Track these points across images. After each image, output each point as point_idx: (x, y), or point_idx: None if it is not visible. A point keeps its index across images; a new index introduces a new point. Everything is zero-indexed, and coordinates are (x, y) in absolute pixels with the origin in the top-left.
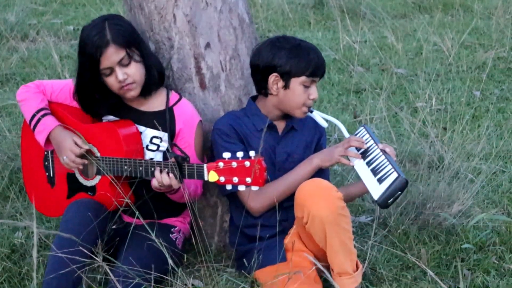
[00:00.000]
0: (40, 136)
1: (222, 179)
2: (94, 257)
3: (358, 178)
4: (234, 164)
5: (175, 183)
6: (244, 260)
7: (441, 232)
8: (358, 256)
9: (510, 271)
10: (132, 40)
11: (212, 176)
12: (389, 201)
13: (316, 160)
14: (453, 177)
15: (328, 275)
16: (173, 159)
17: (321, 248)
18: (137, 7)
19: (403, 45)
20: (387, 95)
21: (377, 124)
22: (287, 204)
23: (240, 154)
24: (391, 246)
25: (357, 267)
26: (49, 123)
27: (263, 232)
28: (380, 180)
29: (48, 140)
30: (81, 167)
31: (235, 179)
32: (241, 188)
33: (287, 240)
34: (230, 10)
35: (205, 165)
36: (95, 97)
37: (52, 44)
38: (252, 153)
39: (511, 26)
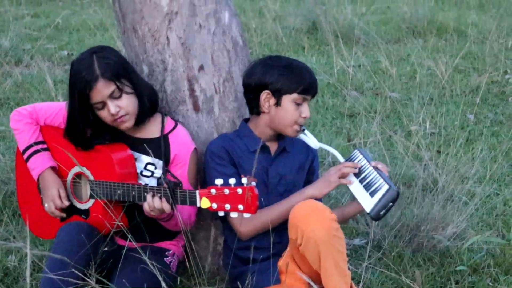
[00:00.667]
0: (33, 173)
1: (214, 205)
2: (87, 279)
3: (352, 198)
4: (227, 191)
5: (167, 208)
6: (238, 282)
7: (435, 254)
8: (353, 279)
9: None
10: (122, 72)
11: (204, 203)
12: (381, 212)
13: (310, 191)
14: (447, 200)
15: None
16: (165, 185)
17: (315, 270)
18: (131, 29)
19: (397, 69)
20: (381, 119)
21: (371, 148)
22: (280, 226)
23: (232, 181)
24: (385, 268)
25: None
26: (40, 163)
27: (256, 254)
28: (372, 194)
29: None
30: (59, 217)
31: (227, 206)
32: (234, 215)
33: (281, 262)
34: (224, 32)
35: (197, 192)
36: (86, 133)
37: (46, 69)
38: (244, 180)
39: (505, 51)
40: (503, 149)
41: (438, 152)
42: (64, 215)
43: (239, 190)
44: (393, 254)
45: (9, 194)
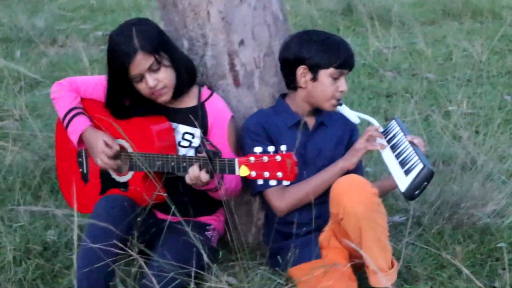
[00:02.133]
0: (73, 136)
1: (253, 173)
2: (128, 250)
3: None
4: (265, 158)
5: (205, 178)
6: (279, 257)
7: (475, 231)
8: (393, 255)
9: None
10: (161, 45)
11: (243, 171)
12: (416, 192)
13: (340, 163)
14: (486, 179)
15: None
16: (204, 154)
17: (357, 244)
18: (171, 4)
19: (433, 50)
20: (418, 99)
21: (408, 128)
22: (319, 200)
23: (271, 149)
24: (425, 245)
25: (393, 265)
26: (80, 123)
27: (297, 229)
28: (406, 172)
29: (80, 140)
30: (115, 167)
31: (266, 174)
32: (272, 183)
33: (322, 237)
34: (264, 7)
35: (236, 160)
36: (124, 104)
37: (82, 49)
38: (283, 147)
39: None
40: None
41: (476, 132)
42: (119, 162)
43: (278, 158)
44: (433, 231)
45: (47, 170)
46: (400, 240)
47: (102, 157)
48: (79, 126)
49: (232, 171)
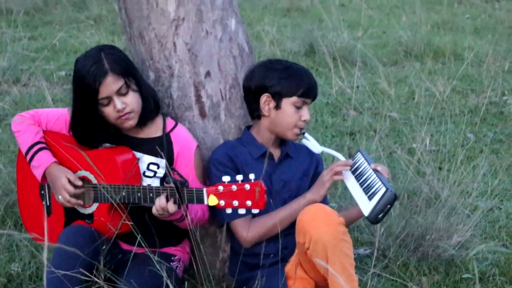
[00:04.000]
0: (36, 172)
1: (222, 202)
2: (95, 278)
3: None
4: (234, 187)
5: (172, 209)
6: None
7: (440, 263)
8: (359, 286)
9: None
10: (129, 69)
11: (212, 200)
12: (379, 216)
13: (308, 195)
14: (450, 212)
15: None
16: (171, 184)
17: (322, 275)
18: (137, 36)
19: (395, 90)
20: (381, 137)
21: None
22: (285, 232)
23: (240, 177)
24: (391, 277)
25: None
26: (44, 159)
27: (263, 260)
28: (370, 197)
29: (44, 176)
30: (76, 206)
31: (235, 203)
32: (241, 211)
33: (288, 268)
34: (230, 39)
35: (204, 189)
36: (91, 129)
37: (45, 88)
38: (252, 176)
39: (502, 74)
40: (504, 166)
41: (440, 168)
42: (81, 202)
43: (247, 186)
44: (398, 262)
45: (11, 205)
46: (365, 272)
47: (64, 195)
48: (43, 161)
49: (200, 200)
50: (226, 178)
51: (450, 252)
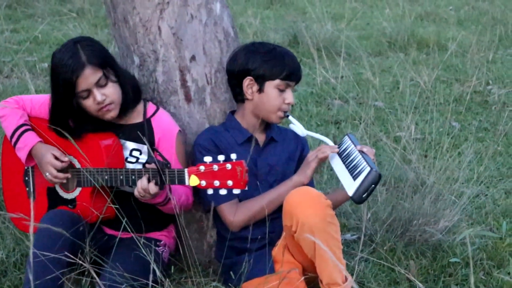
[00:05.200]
0: (21, 153)
1: (203, 183)
2: (79, 260)
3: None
4: (215, 167)
5: (154, 189)
6: (231, 273)
7: (427, 248)
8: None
9: (498, 286)
10: (107, 60)
11: (193, 181)
12: (363, 195)
13: (295, 178)
14: (436, 199)
15: None
16: (153, 165)
17: (310, 258)
18: (122, 20)
19: (380, 80)
20: (366, 126)
21: None
22: (272, 215)
23: (221, 158)
24: (378, 262)
25: (346, 279)
26: (30, 139)
27: (250, 245)
28: (355, 177)
29: (29, 156)
30: (64, 181)
31: (216, 183)
32: (223, 192)
33: (275, 252)
34: (215, 23)
35: (186, 170)
36: (72, 122)
37: (29, 78)
38: (233, 156)
39: (486, 64)
40: (489, 153)
41: (425, 156)
42: (68, 175)
43: (228, 166)
44: (385, 248)
45: None
46: (353, 257)
47: (51, 170)
48: (28, 142)
49: (181, 181)
50: (207, 159)
51: (437, 236)
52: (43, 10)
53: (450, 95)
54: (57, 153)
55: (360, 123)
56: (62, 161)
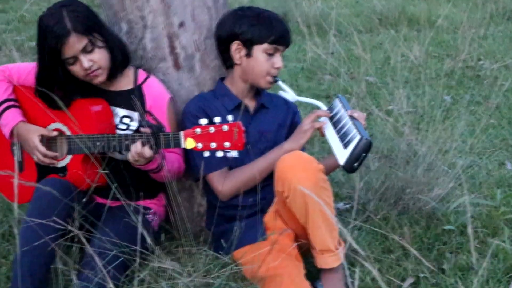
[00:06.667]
0: (4, 129)
1: (200, 145)
2: (70, 227)
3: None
4: (212, 129)
5: (149, 153)
6: (222, 240)
7: (421, 217)
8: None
9: (493, 254)
10: (93, 26)
11: (189, 143)
12: (355, 164)
13: (287, 145)
14: (428, 169)
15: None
16: (147, 128)
17: (302, 225)
18: None
19: (371, 56)
20: (358, 100)
21: None
22: (264, 183)
23: (217, 119)
24: (371, 230)
25: (340, 245)
26: (11, 118)
27: (241, 212)
28: (345, 145)
29: (12, 134)
30: (54, 161)
31: (213, 144)
32: (219, 154)
33: (267, 218)
34: None
35: (181, 132)
36: (58, 89)
37: (17, 57)
38: (230, 117)
39: (477, 40)
40: (482, 125)
41: (417, 129)
42: (57, 154)
43: (225, 127)
44: (378, 216)
45: None
46: (346, 225)
47: (37, 155)
48: (10, 120)
49: (177, 144)
50: (203, 121)
51: (431, 205)
52: None
53: (442, 70)
54: (44, 132)
55: (352, 97)
56: (49, 137)
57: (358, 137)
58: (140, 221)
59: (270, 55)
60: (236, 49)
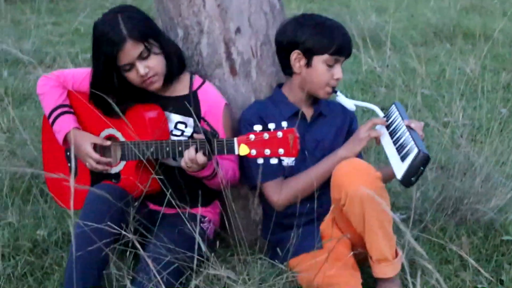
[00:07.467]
0: (58, 136)
1: (254, 152)
2: (124, 232)
3: None
4: (266, 135)
5: (202, 160)
6: (278, 249)
7: (479, 227)
8: None
9: None
10: (149, 32)
11: (242, 150)
12: (412, 178)
13: (341, 152)
14: (486, 180)
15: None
16: (201, 135)
17: (359, 233)
18: None
19: (426, 68)
20: (413, 112)
21: None
22: (320, 191)
23: (272, 126)
24: (428, 241)
25: (397, 254)
26: (65, 124)
27: (297, 220)
28: (402, 158)
29: (66, 140)
30: (107, 168)
31: (267, 151)
32: (274, 161)
33: (323, 227)
34: None
35: (235, 139)
36: (113, 96)
37: (71, 67)
38: (284, 124)
39: None
40: None
41: (473, 141)
42: (110, 160)
43: (280, 134)
44: (436, 227)
45: (36, 175)
46: (402, 236)
47: (90, 162)
48: (63, 127)
49: (230, 150)
50: (257, 127)
51: (489, 215)
52: (85, 4)
53: (498, 83)
54: (98, 141)
55: (408, 109)
56: (104, 146)
57: (415, 151)
58: (197, 230)
59: (330, 66)
60: (296, 58)
